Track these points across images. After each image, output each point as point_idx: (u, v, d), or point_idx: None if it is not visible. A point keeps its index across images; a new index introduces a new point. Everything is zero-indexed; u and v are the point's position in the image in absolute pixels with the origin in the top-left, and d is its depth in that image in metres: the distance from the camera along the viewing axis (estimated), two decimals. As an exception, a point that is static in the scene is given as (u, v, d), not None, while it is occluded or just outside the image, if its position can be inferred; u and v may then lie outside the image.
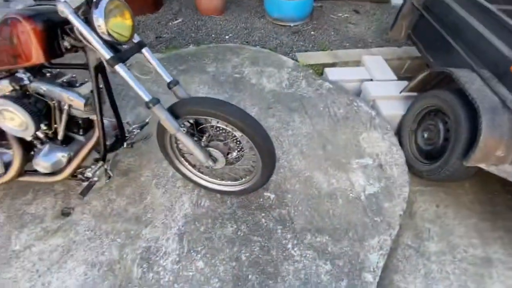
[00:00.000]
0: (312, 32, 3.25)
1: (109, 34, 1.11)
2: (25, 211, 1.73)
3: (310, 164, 2.01)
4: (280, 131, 2.18)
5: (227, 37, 3.17)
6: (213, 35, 3.18)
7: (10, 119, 1.27)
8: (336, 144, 2.14)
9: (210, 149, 1.48)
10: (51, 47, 1.15)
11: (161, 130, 1.49)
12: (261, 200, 1.80)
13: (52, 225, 1.67)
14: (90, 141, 1.41)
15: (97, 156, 1.50)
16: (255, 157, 1.47)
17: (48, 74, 1.34)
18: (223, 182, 1.71)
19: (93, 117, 1.34)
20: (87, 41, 1.11)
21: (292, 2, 3.08)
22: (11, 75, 1.25)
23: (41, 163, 1.38)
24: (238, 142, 1.49)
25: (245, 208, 1.76)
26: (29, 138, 1.34)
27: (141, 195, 1.80)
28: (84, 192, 1.42)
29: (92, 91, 1.30)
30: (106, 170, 1.50)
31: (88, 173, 1.46)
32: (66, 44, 1.19)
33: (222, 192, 1.76)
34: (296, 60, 2.82)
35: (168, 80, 1.43)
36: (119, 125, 1.53)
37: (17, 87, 1.26)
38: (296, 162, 2.00)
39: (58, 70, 1.38)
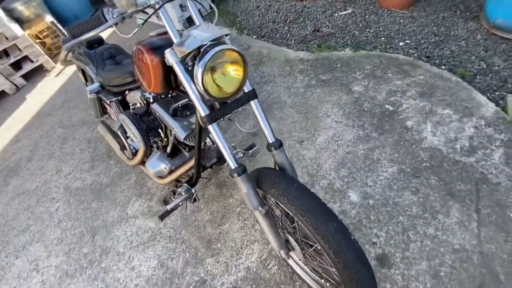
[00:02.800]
0: None
1: (205, 90, 0.83)
2: (146, 183, 1.81)
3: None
4: (415, 224, 1.33)
5: (401, 43, 2.13)
6: (382, 38, 2.22)
7: (129, 130, 1.35)
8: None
9: (289, 237, 1.07)
10: (169, 81, 1.00)
11: None
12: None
13: (155, 207, 1.73)
14: (189, 161, 1.33)
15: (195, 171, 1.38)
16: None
17: (169, 96, 1.25)
18: (308, 270, 1.21)
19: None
20: (188, 93, 0.87)
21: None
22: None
23: (148, 169, 1.40)
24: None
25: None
26: (143, 148, 1.39)
27: (222, 217, 1.55)
28: (163, 216, 1.34)
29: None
30: (193, 194, 1.37)
31: (179, 189, 1.38)
32: None
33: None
34: (502, 108, 1.55)
35: (270, 141, 1.02)
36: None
37: (144, 102, 1.28)
38: None
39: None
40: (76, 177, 2.07)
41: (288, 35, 2.67)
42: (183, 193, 1.37)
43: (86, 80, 2.02)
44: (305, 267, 1.18)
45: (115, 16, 0.79)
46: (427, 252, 1.27)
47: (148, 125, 1.26)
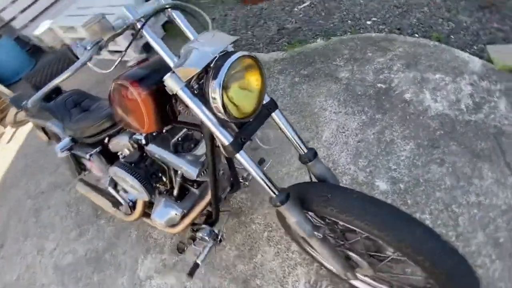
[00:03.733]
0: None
1: (226, 111, 0.66)
2: (150, 234, 1.54)
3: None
4: (455, 196, 1.23)
5: (369, 22, 2.11)
6: (349, 21, 2.19)
7: (124, 182, 1.12)
8: None
9: (349, 253, 0.92)
10: (164, 114, 0.84)
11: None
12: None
13: (169, 260, 1.49)
14: (203, 199, 1.14)
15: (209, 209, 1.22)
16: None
17: (164, 131, 1.05)
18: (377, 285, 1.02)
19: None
20: (201, 121, 0.71)
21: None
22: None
23: (156, 220, 1.20)
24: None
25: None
26: (147, 200, 1.18)
27: (251, 248, 1.34)
28: (192, 272, 1.15)
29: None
30: (218, 235, 1.19)
31: (200, 234, 1.19)
32: (180, 108, 0.83)
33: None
34: (488, 59, 1.54)
35: (303, 152, 0.88)
36: (233, 173, 1.15)
37: (136, 146, 1.07)
38: (493, 265, 1.05)
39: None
40: (64, 252, 1.74)
41: (254, 40, 2.56)
42: (207, 237, 1.16)
43: (49, 138, 1.72)
44: (373, 282, 1.03)
45: (88, 48, 0.58)
46: (478, 222, 1.18)
47: (146, 171, 1.04)
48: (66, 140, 1.34)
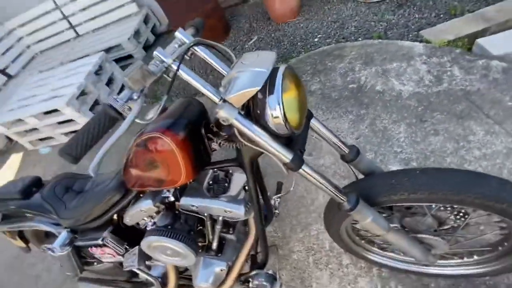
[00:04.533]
0: (426, -4, 2.17)
1: (288, 125, 0.62)
2: None
3: None
4: (462, 156, 1.33)
5: (316, 39, 2.36)
6: (298, 43, 2.41)
7: (165, 252, 0.96)
8: None
9: (422, 235, 0.89)
10: (199, 157, 0.78)
11: (334, 216, 0.96)
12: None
13: None
14: (245, 243, 1.04)
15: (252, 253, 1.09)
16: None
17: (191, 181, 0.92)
18: (446, 262, 1.02)
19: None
20: (260, 146, 0.66)
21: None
22: (153, 192, 0.93)
23: (202, 285, 1.04)
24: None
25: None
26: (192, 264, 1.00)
27: (302, 280, 1.29)
28: None
29: (245, 188, 0.91)
30: (275, 277, 1.06)
31: (256, 282, 1.06)
32: (214, 146, 0.81)
33: (440, 276, 1.08)
34: (426, 41, 1.80)
35: (346, 151, 0.88)
36: (266, 201, 1.09)
37: (163, 207, 0.94)
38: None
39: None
40: None
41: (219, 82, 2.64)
42: (265, 282, 1.04)
43: (28, 244, 1.46)
44: (445, 261, 1.01)
45: (135, 97, 0.53)
46: (492, 171, 1.28)
47: (183, 230, 0.92)
48: (64, 234, 1.15)
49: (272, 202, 1.33)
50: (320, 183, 0.72)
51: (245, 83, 0.58)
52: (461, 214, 0.82)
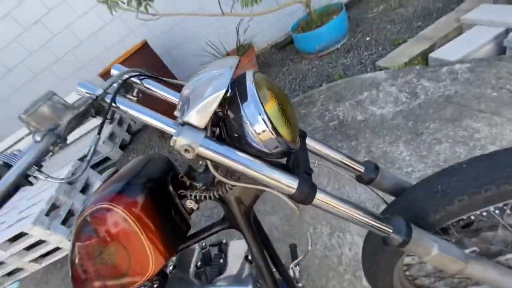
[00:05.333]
0: (367, 38, 2.40)
1: (280, 137, 0.45)
2: None
3: None
4: (476, 153, 1.15)
5: (284, 95, 2.36)
6: None
7: None
8: None
9: (500, 258, 0.63)
10: (173, 229, 0.53)
11: (380, 260, 0.68)
12: None
13: None
14: None
15: None
16: None
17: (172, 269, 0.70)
18: None
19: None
20: (250, 180, 0.46)
21: (329, 24, 2.34)
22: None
23: None
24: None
25: None
26: None
27: None
28: None
29: (248, 259, 0.67)
30: None
31: None
32: (190, 205, 0.57)
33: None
34: (385, 68, 1.87)
35: (362, 170, 0.69)
36: (282, 273, 0.82)
37: None
38: None
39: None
40: None
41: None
42: None
43: None
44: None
45: (38, 139, 0.34)
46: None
47: None
48: None
49: (291, 273, 1.00)
50: (348, 212, 0.49)
51: (205, 92, 0.41)
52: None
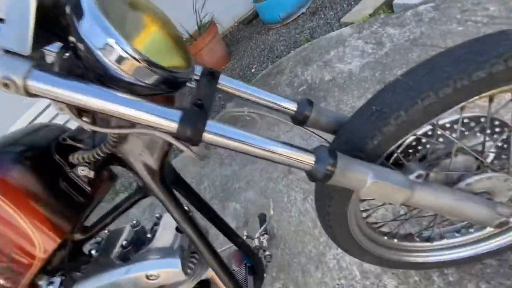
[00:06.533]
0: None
1: (151, 64, 0.35)
2: None
3: None
4: None
5: (253, 70, 2.30)
6: (237, 76, 2.31)
7: None
8: None
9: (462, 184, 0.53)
10: (67, 203, 0.45)
11: (330, 205, 0.59)
12: None
13: None
14: None
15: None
16: None
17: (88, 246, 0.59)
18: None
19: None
20: (124, 123, 0.39)
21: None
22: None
23: None
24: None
25: None
26: None
27: None
28: None
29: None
30: None
31: None
32: (83, 173, 0.46)
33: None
34: (351, 23, 1.76)
35: (294, 111, 0.59)
36: (240, 244, 0.71)
37: None
38: None
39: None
40: None
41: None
42: None
43: None
44: None
45: None
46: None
47: None
48: None
49: (256, 242, 0.92)
50: (255, 146, 0.39)
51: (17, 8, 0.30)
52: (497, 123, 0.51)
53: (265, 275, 0.87)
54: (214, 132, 0.38)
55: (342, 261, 0.97)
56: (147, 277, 0.49)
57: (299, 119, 0.57)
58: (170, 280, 0.51)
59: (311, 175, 0.42)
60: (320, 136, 0.61)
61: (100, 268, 0.53)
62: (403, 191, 0.43)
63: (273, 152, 0.40)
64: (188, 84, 0.46)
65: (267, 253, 0.90)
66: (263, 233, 0.96)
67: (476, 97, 0.43)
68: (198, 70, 0.53)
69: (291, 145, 0.42)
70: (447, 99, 0.42)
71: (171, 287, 0.54)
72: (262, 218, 1.05)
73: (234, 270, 0.73)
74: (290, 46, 2.33)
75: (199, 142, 0.37)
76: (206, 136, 0.37)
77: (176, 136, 0.37)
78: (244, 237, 0.96)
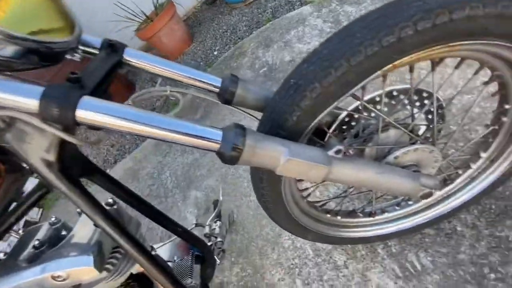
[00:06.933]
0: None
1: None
2: None
3: None
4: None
5: (215, 53, 2.20)
6: (201, 64, 2.21)
7: None
8: None
9: (391, 158, 0.53)
10: None
11: (263, 191, 0.58)
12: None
13: None
14: None
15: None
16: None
17: None
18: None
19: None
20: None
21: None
22: None
23: None
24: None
25: None
26: None
27: None
28: None
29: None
30: None
31: None
32: None
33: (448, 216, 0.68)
34: (311, 2, 1.72)
35: (218, 88, 0.55)
36: (185, 235, 0.67)
37: None
38: None
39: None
40: None
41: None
42: None
43: None
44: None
45: None
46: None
47: None
48: None
49: (207, 229, 0.89)
50: (149, 127, 0.34)
51: None
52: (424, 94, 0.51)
53: (218, 262, 0.84)
54: (93, 110, 0.32)
55: (296, 241, 0.97)
56: (53, 278, 0.44)
57: (225, 97, 0.53)
58: (84, 279, 0.46)
59: (220, 156, 0.38)
60: (251, 115, 0.57)
61: (4, 272, 0.47)
62: (320, 168, 0.41)
63: (172, 131, 0.36)
64: (70, 56, 0.39)
65: (218, 239, 0.88)
66: (215, 219, 0.93)
67: (390, 65, 0.41)
68: (97, 42, 0.46)
69: (195, 124, 0.37)
70: (360, 67, 0.39)
71: (91, 286, 0.49)
72: (215, 204, 1.02)
73: (176, 260, 0.70)
74: (252, 26, 2.25)
75: (73, 123, 0.31)
76: (82, 115, 0.32)
77: (43, 117, 0.31)
78: (194, 225, 0.93)
